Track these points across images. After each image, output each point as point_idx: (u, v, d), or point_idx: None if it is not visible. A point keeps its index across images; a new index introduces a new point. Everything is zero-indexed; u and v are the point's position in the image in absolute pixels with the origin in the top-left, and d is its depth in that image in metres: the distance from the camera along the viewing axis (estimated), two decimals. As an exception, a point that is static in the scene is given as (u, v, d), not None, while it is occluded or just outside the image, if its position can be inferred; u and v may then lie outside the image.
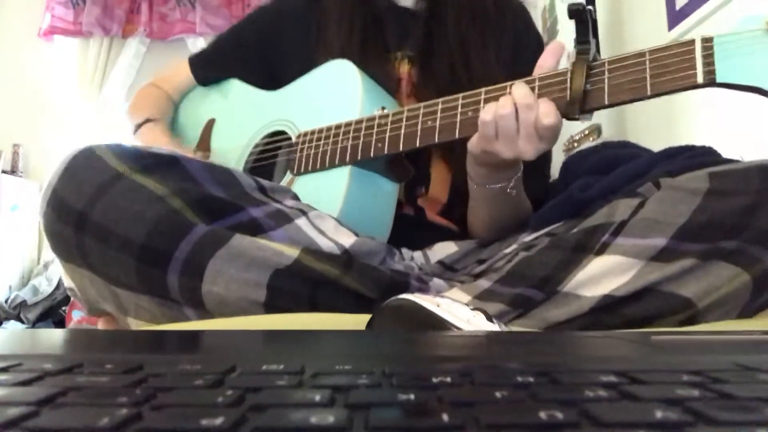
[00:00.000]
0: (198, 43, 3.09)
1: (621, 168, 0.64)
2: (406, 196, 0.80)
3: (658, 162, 0.61)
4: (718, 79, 0.51)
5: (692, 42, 0.53)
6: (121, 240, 0.52)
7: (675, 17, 1.48)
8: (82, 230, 0.53)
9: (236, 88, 0.96)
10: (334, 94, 0.78)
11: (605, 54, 0.59)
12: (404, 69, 0.83)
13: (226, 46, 0.98)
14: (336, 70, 0.79)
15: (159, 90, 1.01)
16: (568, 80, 0.59)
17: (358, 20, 0.83)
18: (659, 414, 0.15)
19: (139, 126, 0.93)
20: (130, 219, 0.52)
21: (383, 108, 0.73)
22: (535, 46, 0.88)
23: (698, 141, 0.65)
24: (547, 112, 0.57)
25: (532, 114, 0.58)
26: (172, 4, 3.18)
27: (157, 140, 0.89)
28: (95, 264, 0.55)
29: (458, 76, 0.80)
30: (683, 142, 0.65)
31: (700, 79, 0.52)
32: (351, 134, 0.72)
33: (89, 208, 0.53)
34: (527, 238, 0.66)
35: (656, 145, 0.69)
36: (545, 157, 0.83)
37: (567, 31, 2.18)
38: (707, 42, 0.52)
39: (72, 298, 0.63)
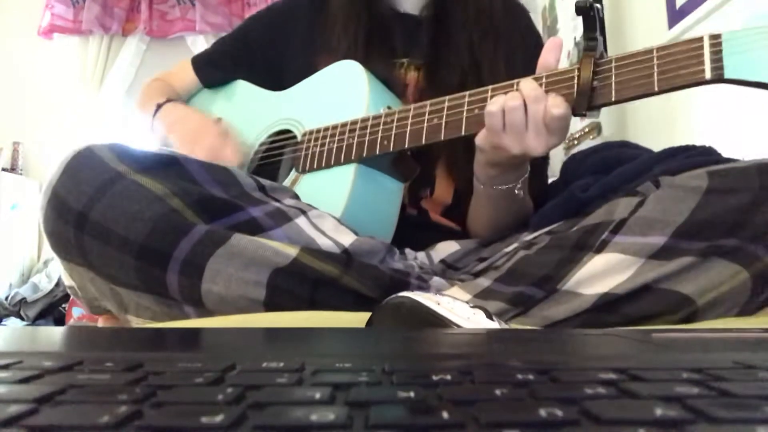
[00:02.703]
0: (198, 41, 3.09)
1: (621, 168, 0.64)
2: (410, 198, 0.80)
3: (658, 161, 0.62)
4: (726, 75, 0.51)
5: (701, 39, 0.52)
6: (120, 239, 0.52)
7: (675, 16, 1.48)
8: (82, 230, 0.53)
9: (242, 87, 0.96)
10: (341, 93, 0.78)
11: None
12: (411, 75, 0.83)
13: (230, 48, 0.97)
14: (343, 70, 0.79)
15: (167, 84, 1.00)
16: (576, 77, 0.58)
17: (363, 26, 0.83)
18: (659, 412, 0.15)
19: (159, 107, 0.90)
20: (129, 219, 0.52)
21: (389, 107, 0.73)
22: (535, 46, 0.88)
23: (699, 140, 0.65)
24: (556, 103, 0.57)
25: (541, 106, 0.58)
26: (171, 2, 3.18)
27: (187, 116, 0.87)
28: (95, 263, 0.55)
29: (468, 83, 0.79)
30: (684, 141, 0.65)
31: (708, 75, 0.51)
32: (357, 132, 0.72)
33: (89, 208, 0.53)
34: (527, 237, 0.66)
35: (657, 144, 0.69)
36: (544, 158, 0.83)
37: (567, 30, 2.17)
38: (715, 38, 0.52)
39: (72, 296, 0.63)
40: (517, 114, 0.58)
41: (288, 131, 0.83)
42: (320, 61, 0.84)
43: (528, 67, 0.64)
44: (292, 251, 0.55)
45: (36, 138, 3.03)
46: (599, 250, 0.55)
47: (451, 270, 0.71)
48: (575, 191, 0.64)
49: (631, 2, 1.79)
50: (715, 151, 0.61)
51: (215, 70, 0.98)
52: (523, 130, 0.59)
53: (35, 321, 2.54)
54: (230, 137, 0.82)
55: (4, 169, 2.85)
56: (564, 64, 0.61)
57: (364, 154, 0.71)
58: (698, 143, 0.64)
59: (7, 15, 3.14)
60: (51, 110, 3.04)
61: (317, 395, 0.17)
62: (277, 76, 0.89)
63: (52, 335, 0.39)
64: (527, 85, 0.59)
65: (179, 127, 0.85)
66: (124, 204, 0.52)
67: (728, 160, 0.57)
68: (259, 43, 0.93)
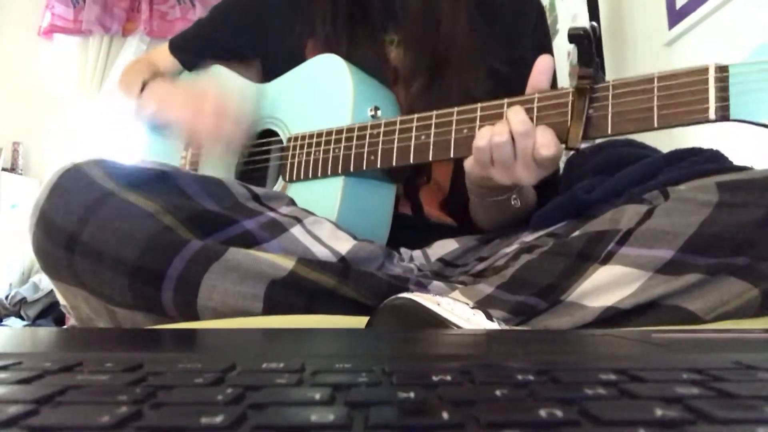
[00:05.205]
0: (198, 42, 3.09)
1: (625, 169, 0.62)
2: (405, 189, 0.79)
3: (663, 165, 0.60)
4: (732, 116, 0.48)
5: (705, 71, 0.49)
6: (113, 260, 0.51)
7: (675, 16, 1.47)
8: (73, 251, 0.52)
9: (224, 78, 0.93)
10: (324, 91, 0.77)
11: (604, 54, 0.58)
12: (398, 55, 0.82)
13: (212, 31, 0.94)
14: (325, 65, 0.77)
15: (150, 63, 0.98)
16: (570, 106, 0.56)
17: (343, 6, 0.81)
18: (659, 412, 0.15)
19: (144, 84, 0.87)
20: (121, 238, 0.51)
21: (376, 108, 0.72)
22: (535, 17, 0.86)
23: (701, 140, 0.64)
24: (545, 143, 0.56)
25: (530, 142, 0.57)
26: (172, 3, 3.18)
27: (170, 94, 0.82)
28: (88, 283, 0.54)
29: (432, 45, 0.78)
30: (685, 141, 0.64)
31: (712, 115, 0.49)
32: (343, 143, 0.70)
33: (79, 229, 0.51)
34: (528, 237, 0.65)
35: (658, 143, 0.69)
36: None
37: (567, 29, 2.17)
38: (722, 72, 0.48)
39: (66, 314, 0.62)
40: (505, 150, 0.57)
41: (273, 132, 0.82)
42: (306, 45, 0.82)
43: (524, 41, 0.61)
44: (289, 263, 0.54)
45: (36, 138, 3.03)
46: (605, 261, 0.53)
47: (450, 268, 0.71)
48: (578, 192, 0.63)
49: (630, 3, 1.79)
50: (723, 157, 0.60)
51: (198, 55, 0.95)
52: (511, 164, 0.58)
53: (35, 321, 2.54)
54: (229, 113, 0.75)
55: (4, 169, 2.85)
56: (564, 64, 0.60)
57: (351, 169, 0.70)
58: (701, 144, 0.63)
59: (8, 15, 3.14)
60: (51, 110, 3.04)
61: (317, 396, 0.17)
62: (262, 61, 0.87)
63: (53, 335, 0.39)
64: (516, 117, 0.58)
65: (174, 99, 0.79)
66: (115, 224, 0.51)
67: (737, 168, 0.56)
68: (240, 27, 0.90)
